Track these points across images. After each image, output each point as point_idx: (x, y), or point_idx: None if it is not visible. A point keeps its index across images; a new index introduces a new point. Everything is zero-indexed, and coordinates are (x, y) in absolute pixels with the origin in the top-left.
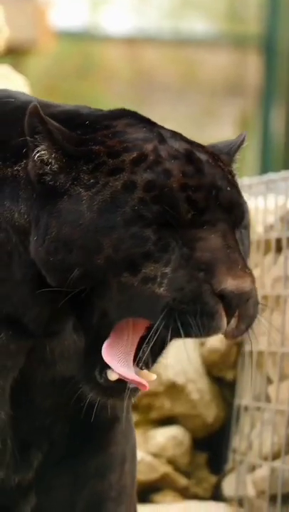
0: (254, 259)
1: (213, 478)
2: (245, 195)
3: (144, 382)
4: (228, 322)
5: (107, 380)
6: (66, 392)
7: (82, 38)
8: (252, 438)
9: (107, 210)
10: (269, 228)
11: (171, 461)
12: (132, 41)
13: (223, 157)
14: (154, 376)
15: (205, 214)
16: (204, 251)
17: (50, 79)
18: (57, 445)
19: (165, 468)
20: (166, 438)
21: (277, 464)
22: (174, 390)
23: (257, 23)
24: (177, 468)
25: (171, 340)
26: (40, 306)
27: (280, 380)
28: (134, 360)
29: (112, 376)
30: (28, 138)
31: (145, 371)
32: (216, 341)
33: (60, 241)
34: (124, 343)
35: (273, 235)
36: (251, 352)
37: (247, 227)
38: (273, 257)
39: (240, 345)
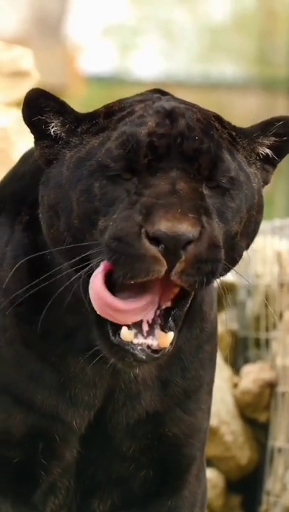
0: None
1: None
2: (277, 237)
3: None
4: (172, 266)
5: (119, 338)
6: (151, 433)
7: (111, 83)
8: (286, 480)
9: (79, 166)
10: None
11: None
12: (162, 85)
13: (226, 122)
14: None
15: (162, 161)
16: (149, 197)
17: None
18: (135, 491)
19: None
20: None
21: None
22: None
23: (286, 66)
24: (212, 511)
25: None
26: None
27: None
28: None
29: (126, 336)
30: (39, 117)
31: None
32: (248, 383)
33: (51, 209)
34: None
35: None
36: (284, 393)
37: (236, 188)
38: None
39: (273, 387)
